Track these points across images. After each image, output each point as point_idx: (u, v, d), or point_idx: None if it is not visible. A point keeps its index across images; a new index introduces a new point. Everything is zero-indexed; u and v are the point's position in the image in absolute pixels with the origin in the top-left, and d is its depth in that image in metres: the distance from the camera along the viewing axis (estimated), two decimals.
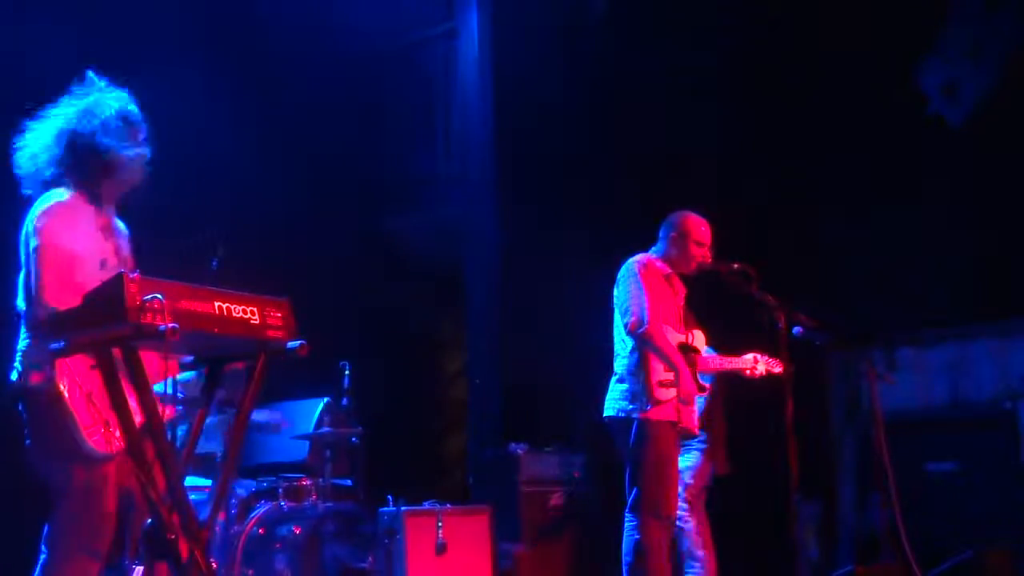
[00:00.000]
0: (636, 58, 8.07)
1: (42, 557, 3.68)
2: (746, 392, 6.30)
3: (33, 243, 3.63)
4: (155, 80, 6.72)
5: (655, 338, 5.09)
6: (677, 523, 6.04)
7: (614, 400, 5.23)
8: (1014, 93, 7.25)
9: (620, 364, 5.25)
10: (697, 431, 5.67)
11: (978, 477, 6.75)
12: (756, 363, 5.47)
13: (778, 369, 5.46)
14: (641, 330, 5.07)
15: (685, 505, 5.92)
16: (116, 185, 3.85)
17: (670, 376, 5.13)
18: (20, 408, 3.69)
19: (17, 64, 6.20)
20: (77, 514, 3.62)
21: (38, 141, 3.82)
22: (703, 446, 6.20)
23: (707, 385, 5.32)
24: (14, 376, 3.69)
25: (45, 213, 3.66)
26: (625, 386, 5.19)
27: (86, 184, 3.78)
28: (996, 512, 6.57)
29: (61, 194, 3.73)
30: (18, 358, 3.68)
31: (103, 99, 3.88)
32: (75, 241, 3.66)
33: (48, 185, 3.77)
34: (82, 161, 3.77)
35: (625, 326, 5.15)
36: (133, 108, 3.93)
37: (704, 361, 5.34)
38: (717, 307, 5.97)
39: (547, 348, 7.46)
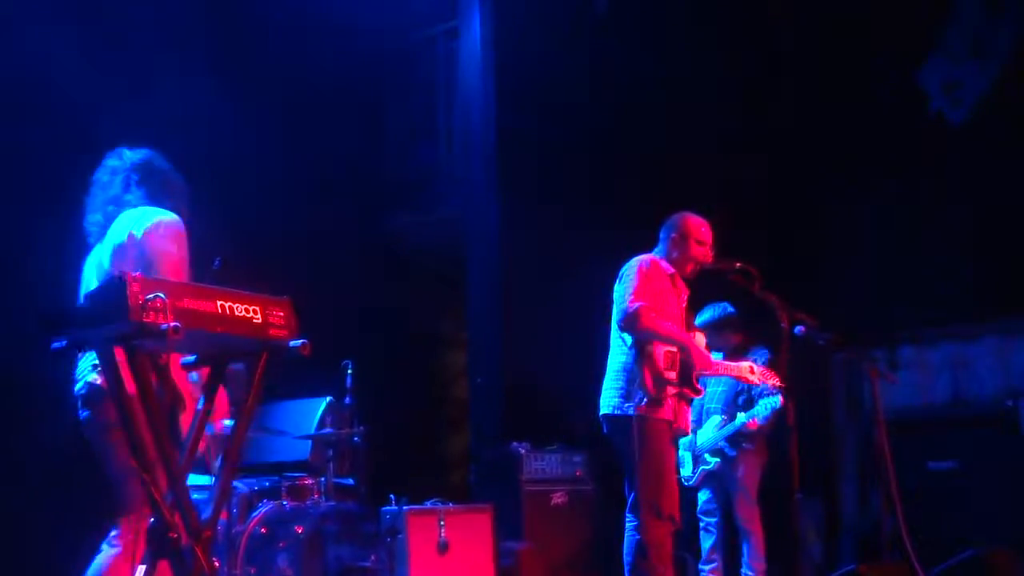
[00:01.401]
0: (637, 57, 8.07)
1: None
2: None
3: (159, 248, 3.84)
4: (157, 81, 6.79)
5: (652, 326, 5.07)
6: (746, 528, 6.16)
7: (609, 397, 5.22)
8: (1014, 92, 7.25)
9: (617, 361, 5.23)
10: (689, 431, 5.69)
11: (980, 475, 6.75)
12: (752, 372, 5.45)
13: (774, 381, 5.46)
14: (635, 322, 5.05)
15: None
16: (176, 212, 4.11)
17: (671, 375, 5.13)
18: (97, 413, 3.80)
19: (18, 65, 6.20)
20: None
21: (102, 189, 4.11)
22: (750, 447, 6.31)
23: (702, 388, 5.32)
24: (91, 378, 3.82)
25: (171, 227, 3.91)
26: (621, 383, 5.17)
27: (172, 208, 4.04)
28: (998, 510, 6.57)
29: (171, 213, 3.98)
30: (92, 362, 3.79)
31: (136, 151, 4.20)
32: (184, 257, 3.91)
33: (121, 207, 4.03)
34: (152, 188, 4.09)
35: (619, 323, 5.15)
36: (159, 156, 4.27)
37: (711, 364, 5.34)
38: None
39: (548, 347, 7.46)
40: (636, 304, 5.06)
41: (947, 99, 7.54)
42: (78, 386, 3.92)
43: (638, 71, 8.06)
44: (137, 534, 3.72)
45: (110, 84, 6.46)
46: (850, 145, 7.65)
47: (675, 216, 5.43)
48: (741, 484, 6.27)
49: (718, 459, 6.31)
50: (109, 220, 4.04)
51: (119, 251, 3.92)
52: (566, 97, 8.07)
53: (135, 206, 4.04)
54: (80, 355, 3.87)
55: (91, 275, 4.04)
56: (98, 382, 3.79)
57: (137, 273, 3.06)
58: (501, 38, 8.28)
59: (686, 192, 5.79)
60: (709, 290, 5.72)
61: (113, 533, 3.85)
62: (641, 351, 5.14)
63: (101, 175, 4.15)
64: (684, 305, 5.42)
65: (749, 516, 6.23)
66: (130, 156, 4.16)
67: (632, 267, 5.22)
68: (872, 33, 7.61)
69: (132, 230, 3.91)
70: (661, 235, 5.43)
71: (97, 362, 3.70)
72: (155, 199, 4.08)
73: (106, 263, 3.95)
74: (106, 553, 3.83)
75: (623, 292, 5.14)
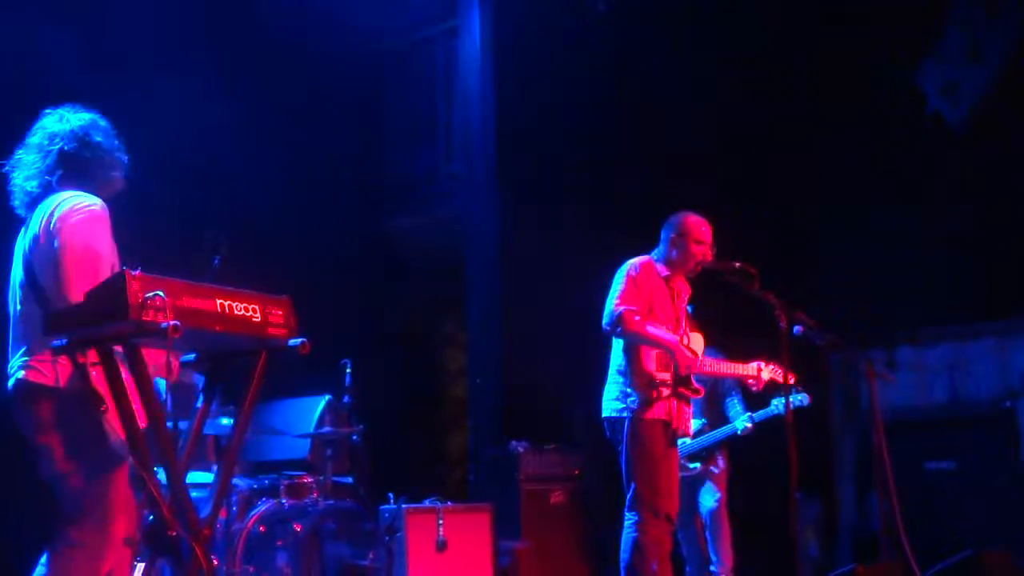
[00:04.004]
0: (637, 57, 8.08)
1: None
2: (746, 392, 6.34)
3: (68, 240, 3.54)
4: (157, 81, 6.80)
5: (635, 329, 5.14)
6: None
7: (608, 400, 5.30)
8: (1012, 94, 7.26)
9: (613, 364, 5.32)
10: (691, 433, 5.70)
11: (977, 476, 6.76)
12: (760, 371, 5.48)
13: (788, 379, 5.47)
14: (618, 329, 5.13)
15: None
16: (108, 188, 3.82)
17: (663, 376, 5.18)
18: (27, 411, 3.56)
19: (18, 65, 6.21)
20: (116, 512, 3.54)
21: (31, 155, 3.80)
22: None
23: (701, 388, 5.34)
24: (20, 375, 3.57)
25: (85, 215, 3.58)
26: (617, 386, 5.26)
27: (92, 189, 3.73)
28: (995, 511, 6.58)
29: (91, 197, 3.66)
30: (21, 359, 3.58)
31: (77, 115, 3.86)
32: (104, 245, 3.60)
33: (47, 191, 3.72)
34: (83, 165, 3.76)
35: (604, 327, 5.22)
36: (102, 121, 3.91)
37: (700, 364, 5.36)
38: (719, 308, 6.00)
39: (547, 347, 7.48)
40: (620, 308, 5.16)
41: (945, 100, 7.56)
42: (10, 382, 3.61)
43: (637, 71, 8.07)
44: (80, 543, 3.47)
45: (110, 84, 6.47)
46: (849, 145, 7.65)
47: (675, 216, 5.46)
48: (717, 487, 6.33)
49: (698, 464, 6.31)
50: (35, 201, 3.72)
51: (34, 245, 3.64)
52: (566, 97, 8.08)
53: (56, 190, 3.70)
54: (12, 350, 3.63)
55: (18, 264, 3.73)
56: (30, 379, 3.53)
57: (138, 271, 3.06)
58: (501, 38, 8.29)
59: (686, 192, 5.80)
60: (709, 290, 5.73)
61: (65, 543, 3.52)
62: (633, 354, 5.23)
63: (37, 139, 3.80)
64: (684, 305, 5.46)
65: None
66: (72, 122, 3.80)
67: (621, 272, 5.31)
68: (871, 34, 7.61)
69: (47, 220, 3.60)
70: (661, 235, 5.47)
71: (27, 357, 3.56)
72: (79, 181, 3.74)
73: (21, 257, 3.71)
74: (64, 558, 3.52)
75: (610, 296, 5.22)
